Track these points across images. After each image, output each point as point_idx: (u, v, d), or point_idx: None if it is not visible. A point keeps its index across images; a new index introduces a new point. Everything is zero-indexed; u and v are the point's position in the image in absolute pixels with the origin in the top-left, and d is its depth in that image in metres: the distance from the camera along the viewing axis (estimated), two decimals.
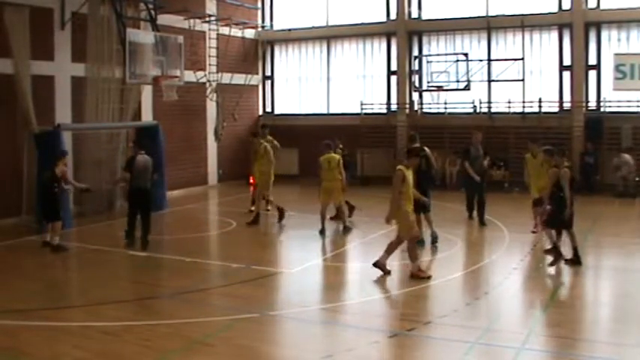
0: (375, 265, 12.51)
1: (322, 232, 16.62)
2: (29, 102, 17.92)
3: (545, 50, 24.67)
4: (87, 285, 12.67)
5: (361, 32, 27.41)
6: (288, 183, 20.98)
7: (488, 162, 18.63)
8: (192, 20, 23.91)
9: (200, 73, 24.38)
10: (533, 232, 15.71)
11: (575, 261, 12.90)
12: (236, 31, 26.69)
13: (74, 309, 11.01)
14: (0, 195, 17.53)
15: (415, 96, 26.52)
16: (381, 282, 12.82)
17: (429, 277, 12.19)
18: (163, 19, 21.58)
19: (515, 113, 24.58)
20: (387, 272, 12.52)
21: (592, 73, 24.02)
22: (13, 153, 17.92)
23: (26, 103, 17.89)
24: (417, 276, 12.15)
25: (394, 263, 14.10)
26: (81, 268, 14.22)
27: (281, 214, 18.23)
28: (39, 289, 12.16)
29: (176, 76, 20.42)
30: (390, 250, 12.55)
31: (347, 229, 16.93)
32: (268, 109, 29.41)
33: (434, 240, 15.01)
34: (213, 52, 25.35)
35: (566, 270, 13.03)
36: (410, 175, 12.45)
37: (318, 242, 16.58)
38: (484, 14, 25.10)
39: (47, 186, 15.16)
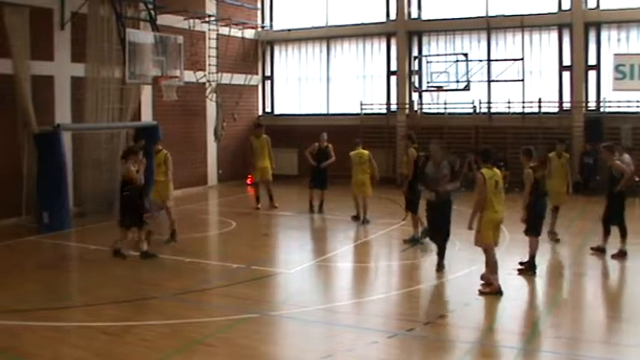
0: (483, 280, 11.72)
1: (357, 217, 18.06)
2: (29, 102, 17.92)
3: (544, 50, 24.69)
4: (87, 285, 12.67)
5: (361, 32, 27.42)
6: (287, 183, 21.00)
7: (463, 167, 18.34)
8: (192, 20, 23.92)
9: (200, 74, 24.39)
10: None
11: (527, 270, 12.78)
12: (236, 32, 26.71)
13: (74, 309, 11.02)
14: (0, 195, 17.52)
15: (415, 96, 26.53)
16: (380, 282, 12.86)
17: (498, 293, 11.32)
18: (163, 19, 21.61)
19: (514, 113, 24.60)
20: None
21: (592, 74, 24.04)
22: (13, 153, 17.91)
23: (26, 103, 17.89)
24: (484, 291, 11.40)
25: (393, 264, 14.17)
26: (81, 269, 14.22)
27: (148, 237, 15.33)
28: (39, 290, 12.16)
29: (176, 77, 20.42)
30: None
31: (367, 222, 17.85)
32: (268, 110, 29.42)
33: (416, 240, 15.30)
34: (213, 52, 25.37)
35: (567, 271, 13.06)
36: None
37: (318, 242, 16.64)
38: (484, 14, 25.10)
39: (129, 191, 14.29)
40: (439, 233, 13.03)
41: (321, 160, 19.75)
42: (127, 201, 14.18)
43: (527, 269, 12.69)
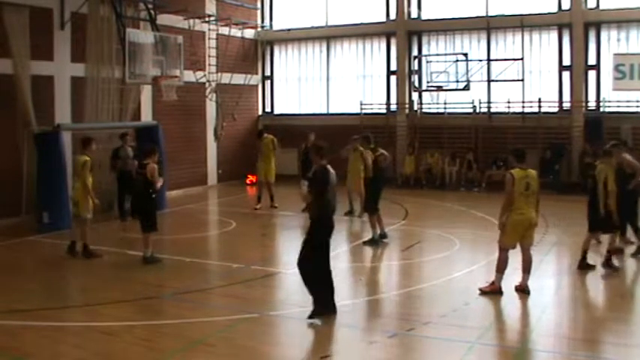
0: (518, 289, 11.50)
1: (350, 213, 18.79)
2: (29, 102, 17.93)
3: (544, 50, 24.68)
4: (87, 285, 12.67)
5: (361, 32, 27.42)
6: (288, 183, 20.98)
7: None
8: (191, 20, 23.91)
9: (200, 73, 24.39)
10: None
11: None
12: (235, 31, 26.70)
13: (75, 309, 11.03)
14: (0, 195, 17.52)
15: (415, 96, 26.52)
16: (380, 282, 12.87)
17: (500, 292, 11.30)
18: (163, 19, 21.61)
19: (514, 113, 24.57)
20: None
21: (592, 73, 24.02)
22: (12, 153, 17.91)
23: (26, 103, 17.90)
24: (485, 289, 11.37)
25: (393, 263, 14.19)
26: (81, 268, 14.17)
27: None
28: (39, 289, 12.18)
29: (176, 76, 20.43)
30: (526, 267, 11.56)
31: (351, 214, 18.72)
32: (268, 109, 29.42)
33: (375, 240, 15.39)
34: (213, 52, 25.37)
35: (568, 270, 13.07)
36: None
37: None
38: (484, 14, 25.10)
39: (142, 194, 13.91)
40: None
41: (308, 159, 19.84)
42: (153, 204, 14.06)
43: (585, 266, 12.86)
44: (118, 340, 9.33)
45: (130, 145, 18.48)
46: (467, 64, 24.78)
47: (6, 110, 17.69)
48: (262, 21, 28.75)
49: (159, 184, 13.93)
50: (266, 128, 21.87)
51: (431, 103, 26.53)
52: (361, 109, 26.82)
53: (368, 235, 15.61)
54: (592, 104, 24.01)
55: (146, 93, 21.98)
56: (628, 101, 23.08)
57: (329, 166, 10.15)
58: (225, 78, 25.73)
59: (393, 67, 26.85)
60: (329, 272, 10.34)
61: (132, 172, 16.07)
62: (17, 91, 17.82)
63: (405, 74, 26.43)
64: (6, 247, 15.43)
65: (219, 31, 25.64)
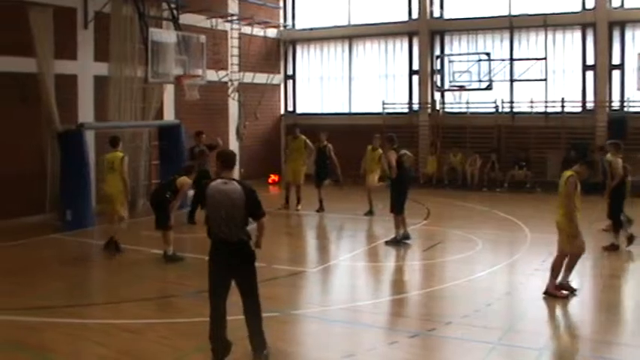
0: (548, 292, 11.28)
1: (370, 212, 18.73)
2: (52, 101, 18.07)
3: (568, 50, 24.51)
4: (110, 283, 12.77)
5: (383, 32, 27.37)
6: (309, 182, 20.92)
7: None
8: (214, 19, 23.98)
9: (222, 73, 24.45)
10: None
11: None
12: (258, 31, 26.76)
13: (97, 307, 11.09)
14: (24, 193, 17.66)
15: (437, 96, 26.43)
16: (401, 282, 12.84)
17: (565, 297, 11.16)
18: (186, 18, 21.67)
19: (537, 113, 24.44)
20: (572, 290, 11.31)
21: (616, 73, 23.84)
22: (36, 152, 18.06)
23: (50, 102, 18.03)
24: (553, 295, 11.13)
25: (415, 263, 14.15)
26: (104, 267, 14.29)
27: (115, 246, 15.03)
28: (62, 287, 12.26)
29: (198, 76, 20.46)
30: (555, 271, 11.29)
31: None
32: (290, 109, 29.45)
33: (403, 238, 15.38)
34: (236, 51, 25.43)
35: (590, 271, 12.97)
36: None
37: (339, 242, 16.65)
38: (506, 14, 24.94)
39: (159, 192, 14.38)
40: None
41: (320, 159, 19.82)
42: (166, 204, 14.04)
43: None
44: (139, 338, 9.38)
45: (206, 144, 18.39)
46: (489, 64, 24.65)
47: (30, 109, 17.82)
48: (285, 20, 28.79)
49: (177, 203, 14.12)
50: (287, 127, 21.83)
51: (453, 102, 26.45)
52: (383, 108, 26.79)
53: (390, 235, 15.58)
54: (616, 104, 23.82)
55: (169, 92, 22.05)
56: None
57: None
58: (248, 77, 25.77)
59: (416, 67, 26.79)
60: None
61: (209, 172, 16.18)
62: (41, 90, 17.95)
63: (427, 74, 26.37)
64: (30, 245, 15.57)
65: (242, 31, 25.69)
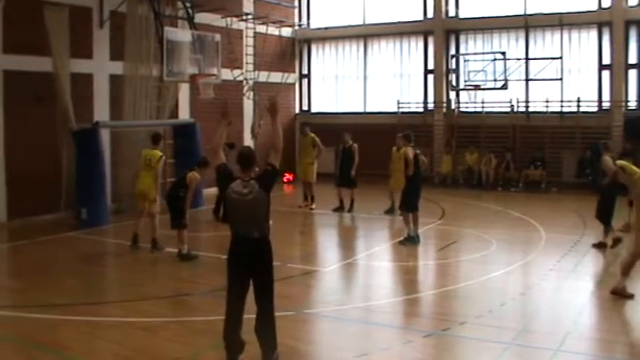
0: (614, 292, 11.14)
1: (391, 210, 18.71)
2: (68, 100, 18.15)
3: (584, 49, 24.39)
4: (124, 281, 12.82)
5: (398, 31, 27.35)
6: (324, 181, 20.92)
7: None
8: (229, 19, 23.99)
9: (237, 72, 24.47)
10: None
11: None
12: (273, 30, 26.77)
13: (112, 305, 11.12)
14: (40, 191, 17.74)
15: (452, 95, 26.39)
16: (416, 282, 12.82)
17: (631, 296, 11.03)
18: (201, 17, 21.72)
19: (553, 113, 24.35)
20: (628, 296, 11.04)
21: (632, 72, 23.71)
22: (52, 150, 18.14)
23: (65, 101, 18.12)
24: (620, 293, 11.03)
25: (429, 263, 14.12)
26: (119, 265, 14.36)
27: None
28: (78, 285, 12.31)
29: (213, 75, 20.49)
30: (626, 270, 11.15)
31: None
32: (305, 108, 29.47)
33: (412, 238, 15.31)
34: (250, 50, 25.46)
35: (605, 271, 12.91)
36: None
37: (353, 241, 16.65)
38: (522, 13, 24.87)
39: (173, 190, 14.42)
40: None
41: (344, 160, 19.68)
42: (180, 203, 14.08)
43: None
44: (153, 336, 9.41)
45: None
46: (505, 63, 24.59)
47: (46, 108, 17.91)
48: (299, 19, 28.81)
49: (189, 199, 14.17)
50: (302, 126, 21.83)
51: (468, 102, 26.38)
52: (398, 107, 26.77)
53: (404, 235, 15.54)
54: (632, 104, 23.70)
55: (184, 91, 22.12)
56: None
57: None
58: (263, 76, 25.78)
59: (431, 66, 26.76)
60: None
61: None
62: (57, 89, 18.04)
63: (442, 73, 26.33)
64: (45, 243, 15.64)
65: (257, 30, 25.70)
